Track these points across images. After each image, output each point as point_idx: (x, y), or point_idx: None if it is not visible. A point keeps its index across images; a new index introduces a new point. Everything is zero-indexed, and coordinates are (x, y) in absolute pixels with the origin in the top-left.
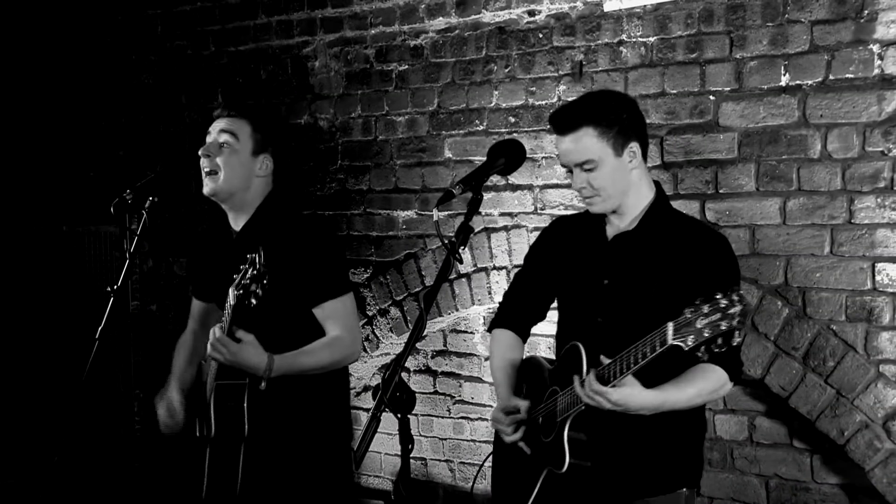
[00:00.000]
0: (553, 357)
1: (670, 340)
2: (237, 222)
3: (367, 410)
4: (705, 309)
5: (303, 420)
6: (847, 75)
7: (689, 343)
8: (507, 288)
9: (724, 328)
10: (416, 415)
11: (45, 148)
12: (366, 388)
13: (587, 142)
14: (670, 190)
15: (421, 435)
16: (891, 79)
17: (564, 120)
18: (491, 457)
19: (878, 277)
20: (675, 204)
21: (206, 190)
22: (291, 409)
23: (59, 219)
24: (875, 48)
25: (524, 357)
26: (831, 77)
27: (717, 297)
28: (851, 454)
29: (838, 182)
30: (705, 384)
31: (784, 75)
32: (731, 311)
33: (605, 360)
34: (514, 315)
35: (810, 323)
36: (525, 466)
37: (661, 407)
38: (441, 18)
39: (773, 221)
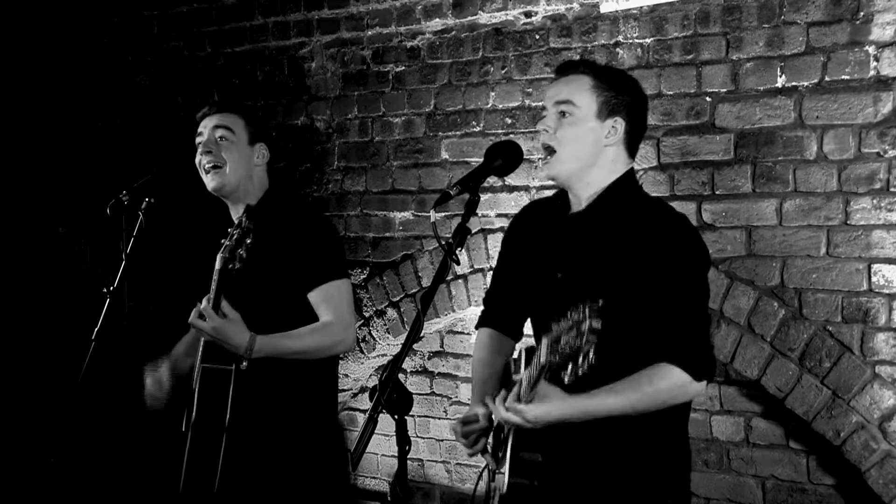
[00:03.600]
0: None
1: (542, 360)
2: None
3: (363, 412)
4: (564, 324)
5: (289, 414)
6: (843, 77)
7: (556, 362)
8: (489, 283)
9: (577, 347)
10: (412, 416)
11: (40, 149)
12: (362, 390)
13: (577, 86)
14: (667, 191)
15: (418, 436)
16: (886, 80)
17: (567, 65)
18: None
19: (874, 279)
20: (672, 205)
21: (212, 185)
22: (277, 400)
23: (55, 220)
24: (871, 50)
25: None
26: (827, 78)
27: (570, 310)
28: (847, 455)
29: (834, 183)
30: (652, 387)
31: (780, 77)
32: (583, 327)
33: (519, 375)
34: (497, 312)
35: (806, 324)
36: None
37: (585, 411)
38: (437, 20)
39: (770, 222)
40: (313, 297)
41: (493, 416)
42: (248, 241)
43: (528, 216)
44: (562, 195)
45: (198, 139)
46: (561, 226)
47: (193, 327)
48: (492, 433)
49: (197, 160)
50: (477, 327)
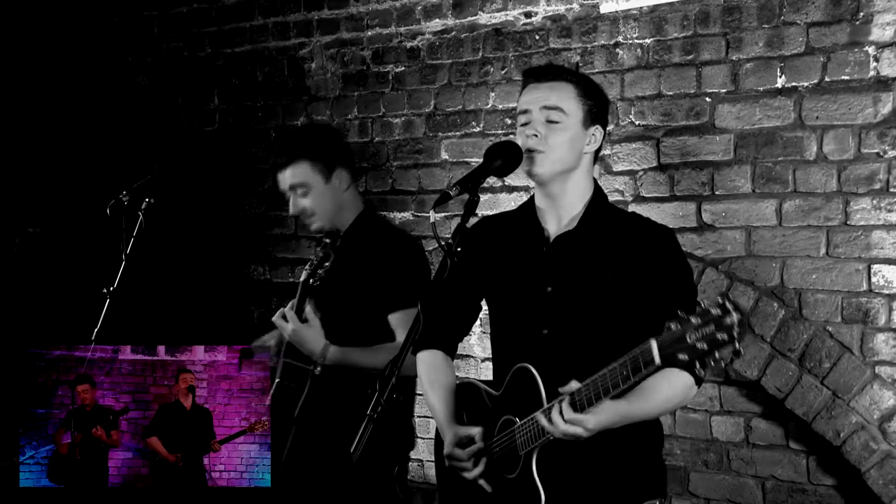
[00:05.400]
0: (487, 377)
1: (657, 361)
2: (336, 238)
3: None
4: (695, 321)
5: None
6: (843, 77)
7: (684, 360)
8: (428, 302)
9: (722, 340)
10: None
11: (41, 149)
12: None
13: (565, 93)
14: (667, 192)
15: (418, 436)
16: (886, 80)
17: (548, 70)
18: (438, 491)
19: (873, 279)
20: (672, 206)
21: (313, 228)
22: (345, 403)
23: (54, 220)
24: (870, 50)
25: (460, 381)
26: (827, 79)
27: (703, 306)
28: (847, 455)
29: (834, 184)
30: (671, 391)
31: (780, 77)
32: (728, 320)
33: (574, 386)
34: (441, 332)
35: (806, 324)
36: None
37: (629, 417)
38: (437, 20)
39: (769, 223)
40: (393, 319)
41: (483, 437)
42: (327, 264)
43: (486, 234)
44: (528, 211)
45: (283, 193)
46: (543, 243)
47: (277, 325)
48: (484, 457)
49: (290, 212)
50: (419, 348)
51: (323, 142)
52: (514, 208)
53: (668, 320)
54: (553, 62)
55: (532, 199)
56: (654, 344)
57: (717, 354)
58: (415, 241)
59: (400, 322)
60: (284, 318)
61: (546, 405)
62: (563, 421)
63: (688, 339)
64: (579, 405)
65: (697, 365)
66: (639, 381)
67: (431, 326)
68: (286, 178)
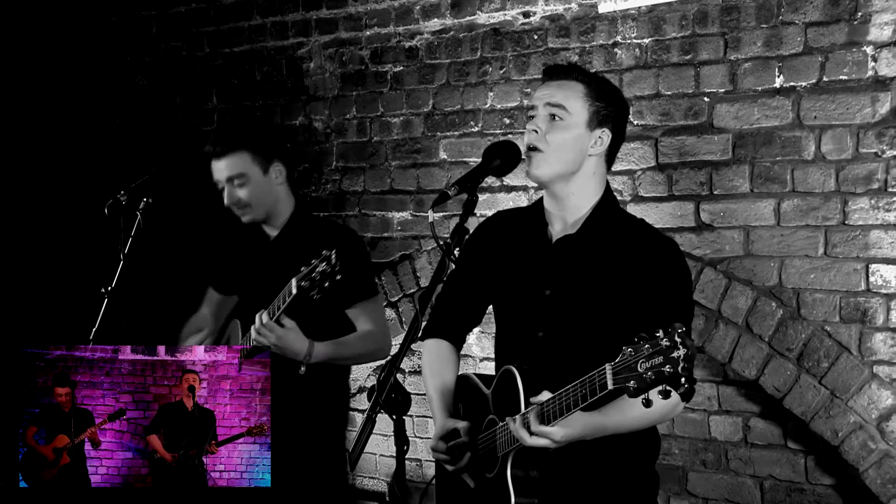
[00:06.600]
0: (492, 372)
1: (610, 385)
2: (271, 229)
3: (362, 412)
4: (645, 349)
5: (308, 413)
6: (841, 77)
7: (632, 387)
8: (439, 291)
9: (667, 373)
10: (411, 416)
11: (39, 149)
12: (361, 390)
13: (571, 92)
14: (665, 191)
15: (416, 436)
16: (884, 80)
17: (561, 69)
18: (435, 481)
19: (871, 279)
20: (670, 205)
21: (245, 220)
22: (299, 401)
23: (52, 220)
24: (868, 50)
25: (459, 374)
26: (825, 79)
27: (658, 335)
28: (845, 455)
29: (832, 183)
30: (653, 405)
31: (778, 77)
32: (674, 354)
33: (545, 396)
34: (449, 322)
35: (804, 324)
36: (471, 500)
37: (603, 430)
38: (436, 20)
39: (768, 223)
40: (352, 312)
41: (468, 432)
42: (338, 279)
43: (498, 229)
44: (537, 211)
45: (217, 182)
46: (546, 245)
47: (257, 341)
48: (468, 451)
49: (225, 203)
50: (426, 336)
51: (263, 134)
52: (528, 205)
53: (626, 344)
54: (550, 62)
55: (543, 197)
56: (608, 370)
57: (664, 387)
58: (355, 233)
59: (359, 313)
60: (265, 329)
61: (522, 411)
62: (530, 433)
63: (638, 368)
64: (546, 417)
65: (647, 394)
66: (598, 401)
67: (441, 316)
68: (222, 167)
